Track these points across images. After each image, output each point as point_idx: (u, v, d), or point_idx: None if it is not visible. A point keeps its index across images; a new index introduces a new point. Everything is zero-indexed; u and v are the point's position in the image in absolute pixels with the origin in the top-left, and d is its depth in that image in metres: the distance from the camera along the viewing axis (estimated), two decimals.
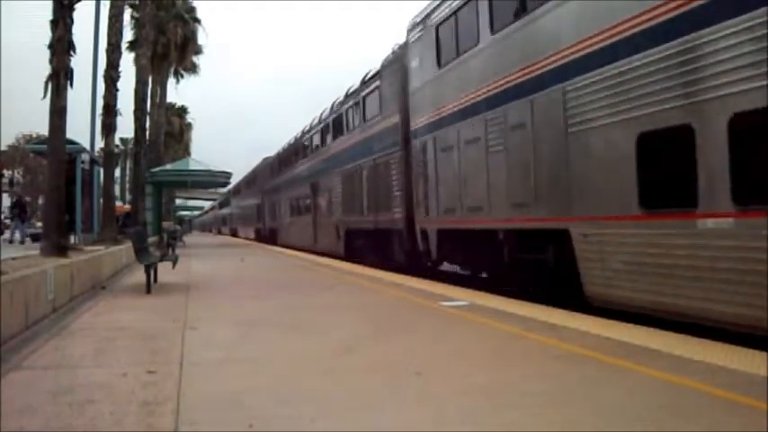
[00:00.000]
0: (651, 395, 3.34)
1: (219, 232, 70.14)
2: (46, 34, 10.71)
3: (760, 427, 2.80)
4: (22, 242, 17.25)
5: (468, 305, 6.97)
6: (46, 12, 10.81)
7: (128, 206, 28.23)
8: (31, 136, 53.17)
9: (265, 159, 34.29)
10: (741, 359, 4.06)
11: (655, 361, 4.07)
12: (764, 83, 4.64)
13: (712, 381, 3.56)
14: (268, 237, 32.62)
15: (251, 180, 41.07)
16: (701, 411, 3.07)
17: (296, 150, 25.70)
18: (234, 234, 53.13)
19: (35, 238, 18.02)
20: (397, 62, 13.05)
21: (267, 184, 33.16)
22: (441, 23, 10.67)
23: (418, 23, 11.61)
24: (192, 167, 28.12)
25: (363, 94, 15.56)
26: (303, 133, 24.12)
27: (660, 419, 2.95)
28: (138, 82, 23.49)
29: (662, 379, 3.65)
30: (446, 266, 11.75)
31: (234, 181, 43.99)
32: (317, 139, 21.77)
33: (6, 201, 30.46)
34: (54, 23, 10.60)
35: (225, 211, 65.84)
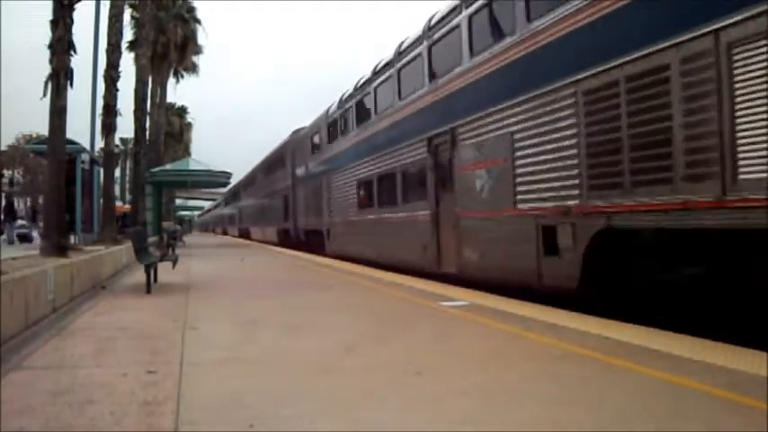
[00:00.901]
0: (651, 395, 3.34)
1: (225, 233, 61.12)
2: (46, 34, 10.74)
3: (760, 427, 2.80)
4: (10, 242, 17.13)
5: (468, 305, 6.97)
6: (46, 12, 10.84)
7: (127, 206, 28.21)
8: (31, 136, 53.32)
9: (296, 132, 24.45)
10: (741, 359, 4.05)
11: (655, 361, 4.07)
12: None
13: (712, 381, 3.56)
14: (304, 241, 22.38)
15: (273, 164, 30.24)
16: (701, 411, 3.07)
17: (376, 93, 13.92)
18: (244, 235, 43.12)
19: (23, 238, 17.97)
20: None
21: (305, 164, 21.91)
22: None
23: None
24: (192, 167, 28.13)
25: None
26: (401, 52, 12.26)
27: (660, 419, 2.95)
28: (138, 82, 23.51)
29: (662, 379, 3.65)
30: None
31: (235, 179, 40.47)
32: (445, 51, 10.13)
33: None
34: (54, 23, 10.61)
35: (232, 207, 55.44)
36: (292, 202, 24.57)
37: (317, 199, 19.67)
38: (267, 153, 33.20)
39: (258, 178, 36.03)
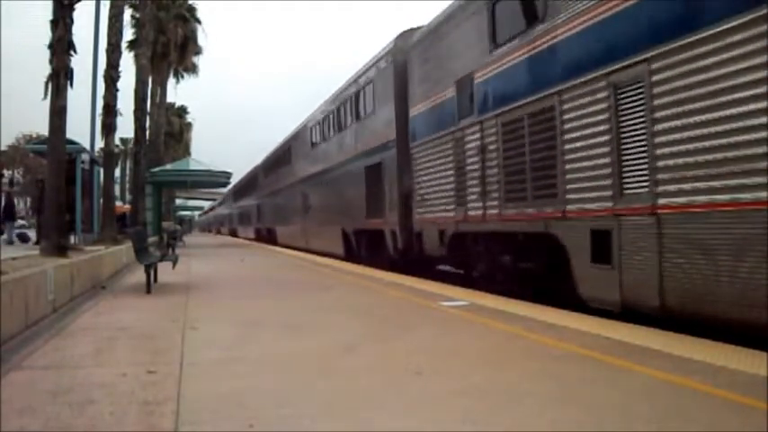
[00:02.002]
0: (651, 395, 3.34)
1: (234, 234, 50.19)
2: (46, 34, 10.75)
3: (760, 427, 2.80)
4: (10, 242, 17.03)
5: (468, 305, 6.96)
6: (46, 12, 10.84)
7: (127, 206, 28.22)
8: (31, 136, 53.37)
9: (408, 35, 12.52)
10: (741, 359, 4.06)
11: (655, 361, 4.06)
12: None
13: (712, 381, 3.56)
14: (445, 255, 10.39)
15: (337, 114, 17.48)
16: (701, 411, 3.07)
17: None
18: (266, 239, 31.74)
19: (21, 238, 17.93)
20: None
21: (464, 86, 9.28)
22: None
23: None
24: (192, 167, 28.16)
25: None
26: None
27: (660, 419, 2.95)
28: (138, 82, 23.52)
29: (662, 379, 3.65)
30: None
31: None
32: None
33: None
34: (54, 23, 10.61)
35: (244, 203, 42.76)
36: (398, 176, 12.27)
37: (539, 156, 7.55)
38: (322, 102, 19.40)
39: (297, 151, 23.44)
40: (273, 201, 29.62)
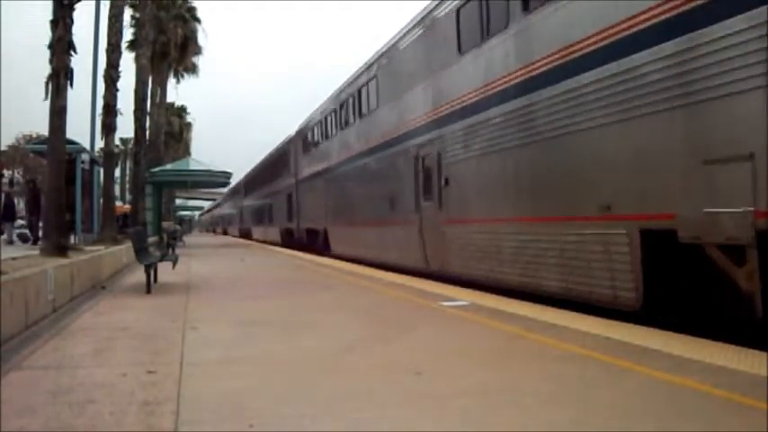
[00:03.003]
0: (651, 395, 3.34)
1: (246, 236, 40.28)
2: (46, 34, 10.74)
3: (760, 427, 2.80)
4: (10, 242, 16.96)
5: (469, 305, 6.96)
6: (46, 12, 10.83)
7: (127, 206, 28.22)
8: (31, 136, 53.30)
9: None
10: (741, 359, 4.06)
11: (655, 361, 4.07)
12: None
13: (712, 381, 3.55)
14: None
15: None
16: (701, 411, 3.07)
17: None
18: (304, 245, 22.31)
19: (22, 238, 17.90)
20: None
21: None
22: None
23: None
24: (192, 167, 28.16)
25: None
26: None
27: (660, 419, 2.95)
28: (138, 82, 23.50)
29: (662, 379, 3.65)
30: None
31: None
32: None
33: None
34: (54, 23, 10.59)
35: (258, 198, 34.01)
36: None
37: None
38: None
39: (398, 86, 12.77)
40: (327, 185, 19.16)
